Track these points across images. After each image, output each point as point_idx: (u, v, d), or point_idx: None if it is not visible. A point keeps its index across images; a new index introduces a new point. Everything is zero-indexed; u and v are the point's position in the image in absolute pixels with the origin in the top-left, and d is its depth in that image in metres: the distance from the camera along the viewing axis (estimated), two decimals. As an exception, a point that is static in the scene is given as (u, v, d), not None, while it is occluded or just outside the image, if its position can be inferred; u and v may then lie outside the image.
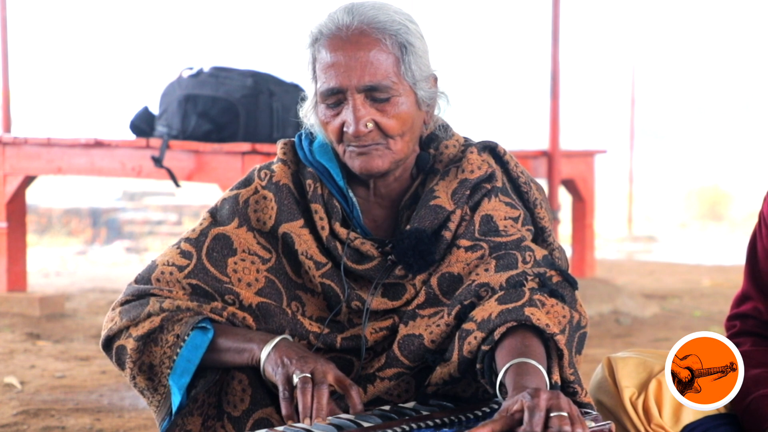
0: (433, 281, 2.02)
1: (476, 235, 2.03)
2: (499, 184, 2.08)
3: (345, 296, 2.02)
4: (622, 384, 2.13)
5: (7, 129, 6.06)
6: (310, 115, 2.05)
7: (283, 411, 1.86)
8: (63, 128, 15.32)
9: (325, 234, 2.04)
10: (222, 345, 1.97)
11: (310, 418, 1.82)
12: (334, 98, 1.97)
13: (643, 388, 2.12)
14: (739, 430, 2.13)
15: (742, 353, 2.02)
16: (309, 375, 1.86)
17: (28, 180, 5.61)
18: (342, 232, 2.04)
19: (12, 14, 6.18)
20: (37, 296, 5.68)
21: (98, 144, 5.14)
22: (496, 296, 1.94)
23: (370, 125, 1.96)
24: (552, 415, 1.62)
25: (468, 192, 2.05)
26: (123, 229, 11.42)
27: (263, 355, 1.92)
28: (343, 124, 1.97)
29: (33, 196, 10.75)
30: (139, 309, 2.01)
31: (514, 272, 1.99)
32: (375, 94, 1.96)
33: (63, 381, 4.20)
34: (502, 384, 1.81)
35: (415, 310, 2.00)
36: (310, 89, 2.03)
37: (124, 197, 12.77)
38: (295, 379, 1.86)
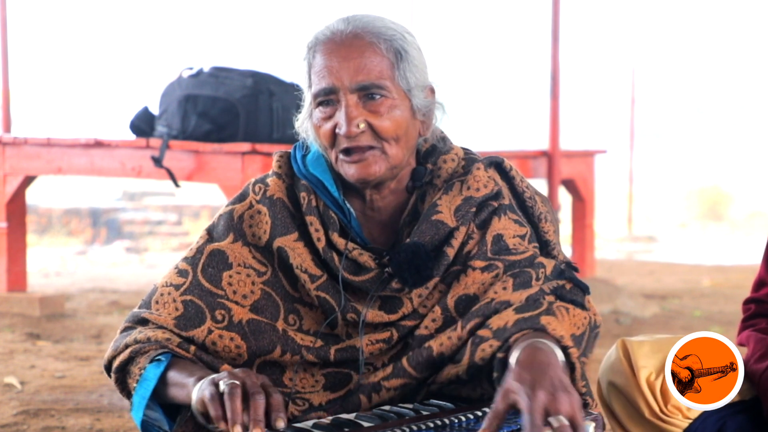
0: (450, 303, 1.98)
1: (489, 254, 2.01)
2: (506, 201, 2.06)
3: (341, 307, 1.99)
4: (639, 364, 2.11)
5: (7, 129, 6.06)
6: (305, 122, 2.02)
7: (212, 412, 1.70)
8: (63, 128, 15.32)
9: (321, 245, 2.01)
10: (170, 379, 1.89)
11: (243, 427, 1.67)
12: (327, 98, 1.95)
13: (661, 369, 2.10)
14: (758, 417, 2.13)
15: (760, 331, 2.09)
16: (238, 383, 1.73)
17: (28, 180, 5.61)
18: (340, 242, 2.01)
19: (12, 14, 6.19)
20: (37, 296, 5.68)
21: (98, 144, 5.14)
22: (513, 306, 1.93)
23: (362, 125, 1.93)
24: (550, 419, 1.59)
25: (473, 209, 2.02)
26: (123, 229, 11.43)
27: (196, 387, 1.79)
28: (335, 127, 1.95)
29: (33, 196, 10.74)
30: (122, 339, 2.01)
31: (531, 291, 1.97)
32: (368, 93, 1.94)
33: (63, 381, 4.20)
34: None
35: (433, 334, 1.97)
36: (306, 98, 2.01)
37: (124, 197, 12.78)
38: (222, 386, 1.72)
